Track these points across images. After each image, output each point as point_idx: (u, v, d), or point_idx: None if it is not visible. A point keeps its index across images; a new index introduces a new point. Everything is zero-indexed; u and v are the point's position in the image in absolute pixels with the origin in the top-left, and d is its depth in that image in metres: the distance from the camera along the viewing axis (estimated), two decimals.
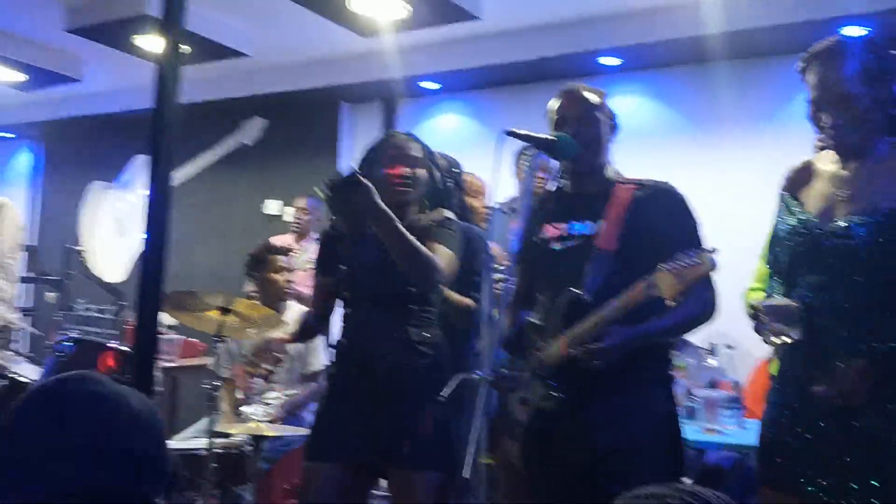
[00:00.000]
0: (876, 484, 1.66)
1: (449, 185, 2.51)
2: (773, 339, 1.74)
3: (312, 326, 2.43)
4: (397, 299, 2.21)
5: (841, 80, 1.76)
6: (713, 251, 1.75)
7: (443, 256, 2.13)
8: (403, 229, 2.03)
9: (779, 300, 1.76)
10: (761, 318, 1.75)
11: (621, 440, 1.91)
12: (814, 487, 1.72)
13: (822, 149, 1.94)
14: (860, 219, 1.73)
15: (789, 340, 1.72)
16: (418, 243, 2.05)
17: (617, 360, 1.89)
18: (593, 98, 2.08)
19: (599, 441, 1.93)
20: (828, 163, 1.88)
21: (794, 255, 1.81)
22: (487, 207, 2.94)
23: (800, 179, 1.91)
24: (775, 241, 1.90)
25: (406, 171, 2.21)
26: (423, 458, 2.13)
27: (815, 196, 1.85)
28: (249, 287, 4.19)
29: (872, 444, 1.67)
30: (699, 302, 1.92)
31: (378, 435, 2.14)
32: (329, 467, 2.16)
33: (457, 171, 2.95)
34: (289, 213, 5.36)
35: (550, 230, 2.09)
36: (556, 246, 2.06)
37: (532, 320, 2.09)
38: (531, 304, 2.15)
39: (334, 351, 2.34)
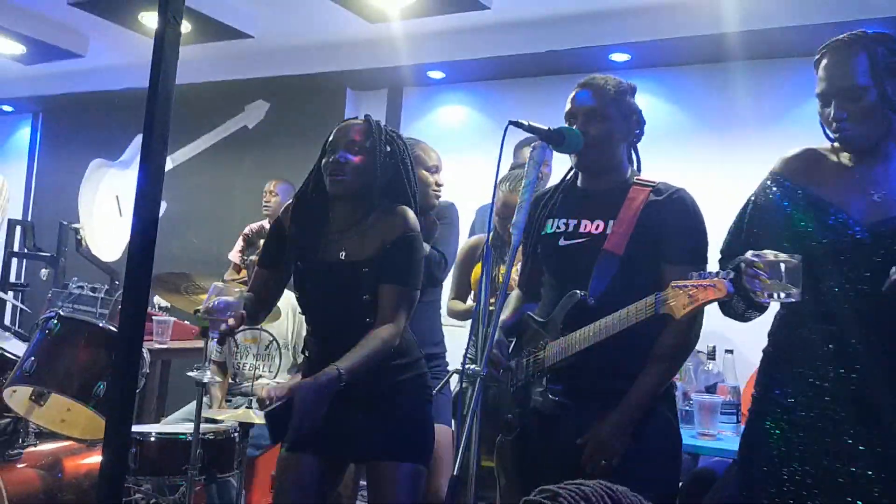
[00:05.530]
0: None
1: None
2: (773, 297, 1.60)
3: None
4: (367, 313, 2.12)
5: (847, 72, 1.71)
6: (729, 276, 1.61)
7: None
8: (361, 361, 1.99)
9: (779, 255, 1.61)
10: (758, 274, 1.60)
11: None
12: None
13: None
14: None
15: (792, 300, 1.59)
16: (370, 351, 2.02)
17: (618, 366, 1.85)
18: (609, 92, 1.98)
19: None
20: (841, 156, 1.80)
21: (819, 253, 1.71)
22: (440, 185, 2.81)
23: (807, 170, 1.81)
24: (768, 229, 1.82)
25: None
26: (401, 450, 2.12)
27: (841, 192, 1.76)
28: (228, 273, 4.12)
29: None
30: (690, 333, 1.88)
31: (359, 431, 2.11)
32: (307, 457, 2.13)
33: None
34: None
35: (558, 225, 2.03)
36: (563, 241, 1.99)
37: (533, 315, 2.04)
38: (535, 298, 2.10)
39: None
